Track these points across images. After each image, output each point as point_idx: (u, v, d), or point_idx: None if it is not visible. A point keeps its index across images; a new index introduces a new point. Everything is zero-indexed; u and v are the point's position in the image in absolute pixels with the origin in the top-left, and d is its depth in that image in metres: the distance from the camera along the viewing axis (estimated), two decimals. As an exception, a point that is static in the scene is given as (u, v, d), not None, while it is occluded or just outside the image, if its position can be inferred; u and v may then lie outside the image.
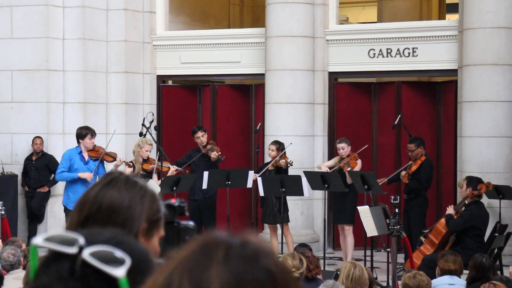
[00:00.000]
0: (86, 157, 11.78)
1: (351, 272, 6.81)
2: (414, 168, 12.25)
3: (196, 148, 13.06)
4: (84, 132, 11.79)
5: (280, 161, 12.23)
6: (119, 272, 1.57)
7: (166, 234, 2.31)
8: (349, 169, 12.07)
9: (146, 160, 12.13)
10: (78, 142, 11.89)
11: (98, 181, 2.31)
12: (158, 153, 12.64)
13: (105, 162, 11.89)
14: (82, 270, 1.59)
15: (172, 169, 12.25)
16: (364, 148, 12.46)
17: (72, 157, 11.74)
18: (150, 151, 12.15)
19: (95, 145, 11.89)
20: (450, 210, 11.11)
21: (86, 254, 1.59)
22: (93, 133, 11.80)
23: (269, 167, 12.34)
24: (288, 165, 12.18)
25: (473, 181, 11.16)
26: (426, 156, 12.41)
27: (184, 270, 1.39)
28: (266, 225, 13.17)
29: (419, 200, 12.25)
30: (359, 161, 12.33)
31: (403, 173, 12.30)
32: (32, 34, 13.99)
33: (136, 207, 2.23)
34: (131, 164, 11.93)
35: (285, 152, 12.35)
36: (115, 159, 11.81)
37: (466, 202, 11.08)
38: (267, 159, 12.84)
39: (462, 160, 12.85)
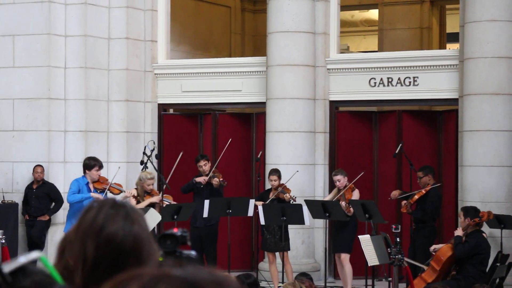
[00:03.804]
0: (92, 189, 12.04)
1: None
2: (416, 197, 12.23)
3: (198, 176, 13.07)
4: (92, 163, 12.13)
5: (285, 195, 12.20)
6: (35, 254, 1.65)
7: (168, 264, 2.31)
8: (343, 202, 12.01)
9: (149, 193, 12.19)
10: (85, 172, 12.15)
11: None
12: (159, 182, 12.65)
13: (110, 193, 12.07)
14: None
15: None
16: (360, 176, 12.42)
17: (80, 186, 12.03)
18: (152, 184, 12.22)
19: (100, 176, 12.14)
20: (458, 232, 10.95)
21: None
22: (100, 166, 12.18)
23: (272, 197, 12.31)
24: (291, 200, 12.13)
25: (470, 211, 11.13)
26: (433, 186, 12.38)
27: None
28: (266, 253, 13.12)
29: (425, 230, 12.21)
30: (355, 192, 12.27)
31: (403, 202, 12.28)
32: (34, 63, 14.02)
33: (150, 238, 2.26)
34: (138, 198, 12.03)
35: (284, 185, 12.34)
36: (121, 191, 11.97)
37: (468, 231, 11.02)
38: (268, 187, 12.82)
39: (463, 189, 12.82)
